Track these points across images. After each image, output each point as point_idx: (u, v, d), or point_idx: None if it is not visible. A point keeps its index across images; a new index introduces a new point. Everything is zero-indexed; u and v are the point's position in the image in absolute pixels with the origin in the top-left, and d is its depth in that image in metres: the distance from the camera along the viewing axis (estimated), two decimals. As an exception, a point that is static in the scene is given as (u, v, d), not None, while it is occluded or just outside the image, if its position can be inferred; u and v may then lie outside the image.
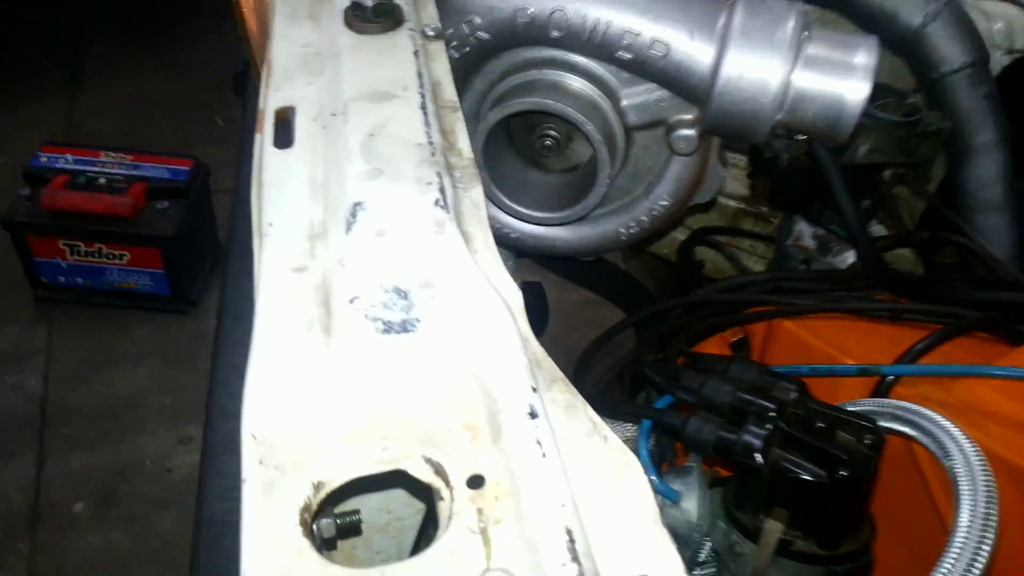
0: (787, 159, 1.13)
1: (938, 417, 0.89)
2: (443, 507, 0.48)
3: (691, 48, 0.84)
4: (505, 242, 1.09)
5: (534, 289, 1.53)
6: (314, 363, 0.52)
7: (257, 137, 0.71)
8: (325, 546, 0.55)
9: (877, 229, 1.45)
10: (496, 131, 0.94)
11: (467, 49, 0.91)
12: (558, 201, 0.99)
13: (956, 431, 0.86)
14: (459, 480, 0.48)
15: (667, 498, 0.98)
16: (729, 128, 0.88)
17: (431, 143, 0.65)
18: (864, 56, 0.83)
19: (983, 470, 0.82)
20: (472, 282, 0.56)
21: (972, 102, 1.36)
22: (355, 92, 0.70)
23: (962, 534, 0.79)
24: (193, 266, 2.86)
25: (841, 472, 0.85)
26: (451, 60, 0.92)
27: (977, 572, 0.75)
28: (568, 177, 1.00)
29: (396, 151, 0.64)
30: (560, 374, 0.57)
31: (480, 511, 0.47)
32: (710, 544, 0.98)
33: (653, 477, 0.97)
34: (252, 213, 0.63)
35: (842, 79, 0.83)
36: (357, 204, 0.60)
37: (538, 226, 1.00)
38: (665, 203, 0.99)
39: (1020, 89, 1.45)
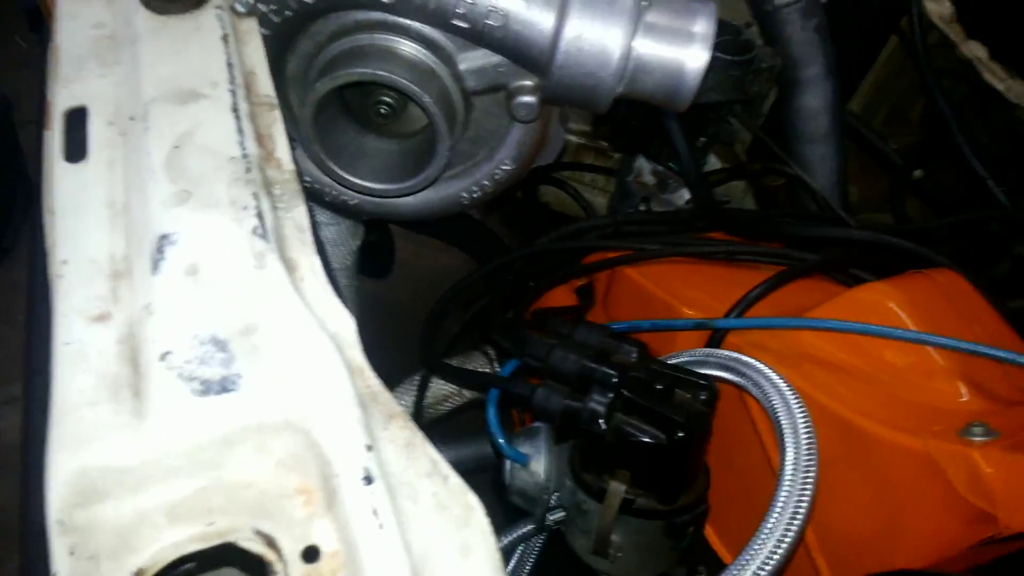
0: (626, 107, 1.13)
1: (761, 366, 0.94)
2: (277, 583, 0.46)
3: (529, 17, 0.80)
4: (345, 209, 1.04)
5: (379, 229, 1.48)
6: (125, 434, 0.48)
7: (46, 136, 0.63)
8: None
9: (713, 161, 1.49)
10: (327, 99, 0.87)
11: (288, 13, 0.83)
12: (398, 170, 0.94)
13: (777, 379, 0.92)
14: (293, 553, 0.47)
15: (516, 461, 1.00)
16: (570, 97, 0.86)
17: (245, 155, 0.59)
18: (703, 24, 0.82)
19: (803, 416, 0.88)
20: (297, 324, 0.53)
21: (803, 34, 1.40)
22: (156, 91, 0.62)
23: (788, 477, 0.85)
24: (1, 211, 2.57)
25: (679, 434, 0.89)
26: (271, 24, 0.84)
27: (802, 511, 0.82)
28: (408, 143, 0.96)
29: (206, 167, 0.58)
30: (399, 409, 0.55)
31: (317, 586, 0.45)
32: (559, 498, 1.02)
33: (504, 446, 0.99)
34: (45, 243, 0.56)
35: (682, 47, 0.82)
36: (164, 237, 0.54)
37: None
38: (508, 167, 0.97)
39: (844, 20, 1.49)
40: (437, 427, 1.39)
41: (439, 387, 1.29)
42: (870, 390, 0.95)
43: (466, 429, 1.27)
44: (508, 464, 1.01)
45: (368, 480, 0.48)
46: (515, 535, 1.13)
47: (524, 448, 1.01)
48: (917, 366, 0.96)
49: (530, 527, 1.09)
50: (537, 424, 1.03)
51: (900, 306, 1.00)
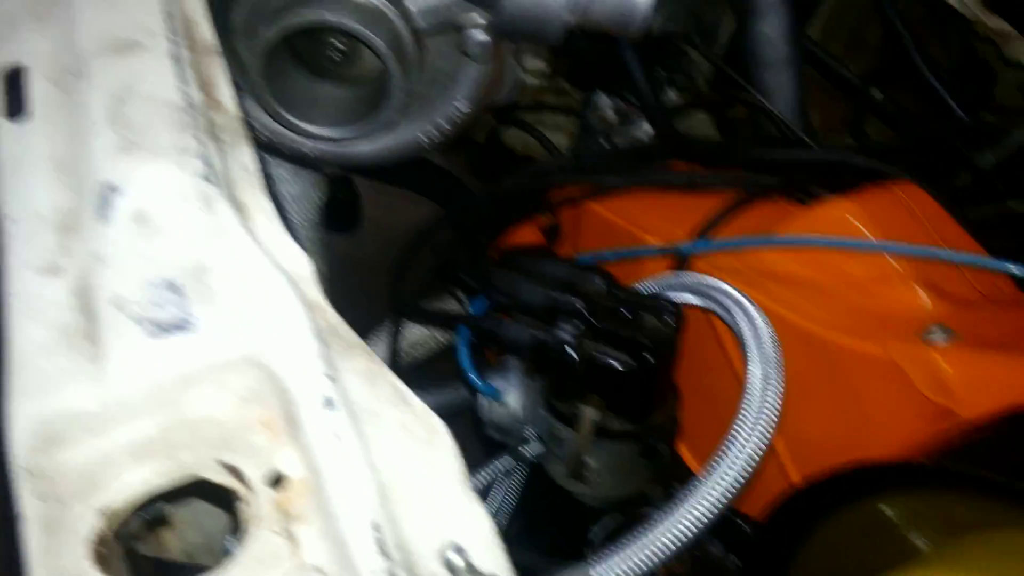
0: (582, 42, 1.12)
1: (725, 286, 0.96)
2: (245, 511, 0.47)
3: (476, -50, 0.80)
4: (303, 159, 1.04)
5: (343, 183, 1.48)
6: (83, 380, 0.48)
7: (-15, 95, 0.63)
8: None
9: (675, 98, 1.49)
10: (276, 48, 0.87)
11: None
12: (353, 115, 0.94)
13: (741, 297, 0.94)
14: (259, 481, 0.48)
15: (490, 396, 1.02)
16: (522, 31, 0.85)
17: (188, 102, 0.59)
18: (654, -51, 0.82)
19: (767, 332, 0.90)
20: (249, 263, 0.53)
21: (757, -42, 1.39)
22: (94, 44, 0.62)
23: (754, 389, 0.87)
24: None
25: (646, 357, 0.90)
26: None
27: (769, 422, 0.84)
28: (361, 88, 0.95)
29: (149, 116, 0.58)
30: (358, 340, 0.56)
31: (283, 511, 0.47)
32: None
33: (477, 381, 1.01)
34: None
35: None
36: (110, 187, 0.55)
37: (334, 141, 0.95)
38: (464, 107, 0.97)
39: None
40: (416, 373, 1.41)
41: (413, 332, 1.30)
42: (832, 302, 0.97)
43: (446, 376, 1.28)
44: (482, 399, 1.03)
45: (329, 405, 0.49)
46: (496, 469, 1.15)
47: (496, 382, 1.02)
48: (877, 276, 0.98)
49: (509, 460, 1.12)
50: (508, 358, 1.04)
51: (859, 219, 1.01)
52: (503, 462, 1.15)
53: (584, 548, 1.04)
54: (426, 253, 1.29)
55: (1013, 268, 0.95)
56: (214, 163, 0.57)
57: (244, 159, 0.59)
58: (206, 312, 0.51)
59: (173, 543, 0.57)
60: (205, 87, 0.62)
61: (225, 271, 0.53)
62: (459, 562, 0.46)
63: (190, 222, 0.54)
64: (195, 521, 0.57)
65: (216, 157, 0.57)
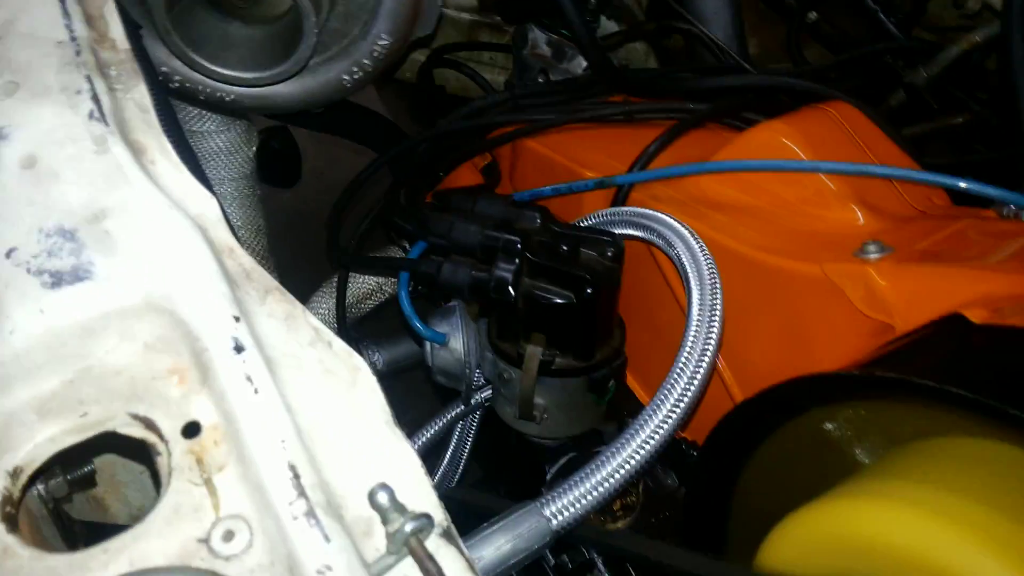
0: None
1: (662, 215, 0.95)
2: (162, 463, 0.45)
3: None
4: (223, 106, 1.00)
5: (279, 134, 1.43)
6: (-22, 337, 0.46)
7: None
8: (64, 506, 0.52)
9: (610, 26, 1.46)
10: (179, -12, 0.82)
11: None
12: (267, 56, 0.90)
13: (678, 226, 0.93)
14: (173, 431, 0.46)
15: (435, 341, 1.00)
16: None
17: (74, 38, 0.55)
18: None
19: (705, 259, 0.89)
20: (148, 206, 0.50)
21: None
22: (-35, -20, 0.58)
23: (695, 316, 0.87)
24: None
25: (587, 291, 0.89)
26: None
27: (711, 347, 0.84)
28: (274, 28, 0.91)
29: (32, 55, 0.54)
30: (274, 283, 0.54)
31: (200, 461, 0.45)
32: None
33: (421, 327, 0.99)
34: None
35: None
36: (-6, 132, 0.51)
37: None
38: (384, 42, 0.93)
39: None
40: (368, 329, 1.39)
41: (358, 285, 1.28)
42: (769, 226, 0.97)
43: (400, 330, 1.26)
44: (428, 345, 1.01)
45: (238, 349, 0.46)
46: (449, 415, 1.15)
47: (441, 327, 1.01)
48: (813, 196, 0.98)
49: (460, 406, 1.11)
50: (452, 303, 1.03)
51: (793, 141, 1.00)
52: (457, 409, 1.14)
53: (542, 489, 1.04)
54: (368, 202, 1.26)
55: (944, 180, 0.95)
56: (104, 102, 0.53)
57: (139, 98, 0.55)
58: (104, 259, 0.48)
59: (115, 506, 0.55)
60: (92, 22, 0.58)
61: (123, 216, 0.50)
62: (386, 501, 0.44)
63: (83, 166, 0.51)
64: (136, 481, 0.55)
65: (106, 96, 0.54)
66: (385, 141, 1.34)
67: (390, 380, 1.46)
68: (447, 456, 1.20)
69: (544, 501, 0.76)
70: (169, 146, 0.54)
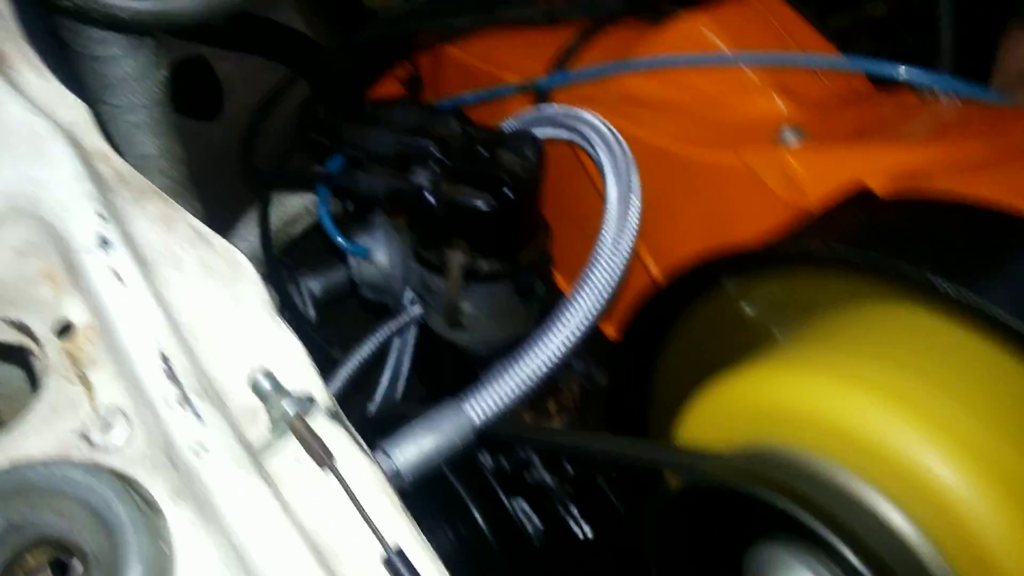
0: None
1: (580, 112, 0.94)
2: (37, 365, 0.45)
3: None
4: (119, 24, 0.95)
5: (196, 64, 1.39)
6: None
7: None
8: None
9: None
10: None
11: None
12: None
13: (596, 121, 0.92)
14: (46, 333, 0.45)
15: (358, 255, 0.99)
16: None
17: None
18: None
19: (622, 152, 0.89)
20: (9, 110, 0.49)
21: None
22: None
23: (612, 210, 0.87)
24: None
25: (507, 193, 0.89)
26: None
27: (628, 236, 0.84)
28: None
29: None
30: (150, 186, 0.53)
31: (74, 358, 0.44)
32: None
33: (343, 241, 0.98)
34: None
35: None
36: None
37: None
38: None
39: None
40: (303, 255, 1.37)
41: (284, 209, 1.26)
42: (691, 119, 0.96)
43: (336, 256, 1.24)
44: (352, 260, 1.00)
45: (104, 244, 0.45)
46: (383, 332, 1.14)
47: (363, 241, 1.00)
48: (733, 87, 0.97)
49: (393, 321, 1.10)
50: (375, 215, 1.02)
51: (713, 31, 0.99)
52: (390, 323, 1.14)
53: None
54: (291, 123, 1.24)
55: (864, 65, 0.95)
56: (-45, 5, 0.51)
57: (-6, -3, 0.53)
58: (-37, 166, 0.47)
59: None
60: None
61: (-18, 122, 0.48)
62: (267, 385, 0.44)
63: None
64: (11, 386, 0.54)
65: (-43, -2, 0.51)
66: (300, 56, 1.30)
67: (333, 308, 1.45)
68: (387, 374, 1.20)
69: (465, 397, 0.77)
70: (32, 54, 0.52)
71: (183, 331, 0.45)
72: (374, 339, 1.14)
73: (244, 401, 0.45)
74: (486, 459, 1.00)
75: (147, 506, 0.40)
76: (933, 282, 0.53)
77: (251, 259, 1.33)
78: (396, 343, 1.19)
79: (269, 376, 0.44)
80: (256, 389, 0.44)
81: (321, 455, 0.43)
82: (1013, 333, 0.54)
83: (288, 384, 0.45)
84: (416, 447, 0.74)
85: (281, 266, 1.22)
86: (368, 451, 0.45)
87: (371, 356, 1.16)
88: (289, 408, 0.43)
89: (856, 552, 0.57)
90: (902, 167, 0.76)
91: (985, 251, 0.59)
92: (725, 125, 0.95)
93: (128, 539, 0.38)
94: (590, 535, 1.01)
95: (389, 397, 1.22)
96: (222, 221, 1.39)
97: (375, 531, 0.40)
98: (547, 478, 1.00)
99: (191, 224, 0.51)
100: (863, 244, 0.66)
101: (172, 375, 0.42)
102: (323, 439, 0.44)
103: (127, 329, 0.44)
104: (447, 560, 0.93)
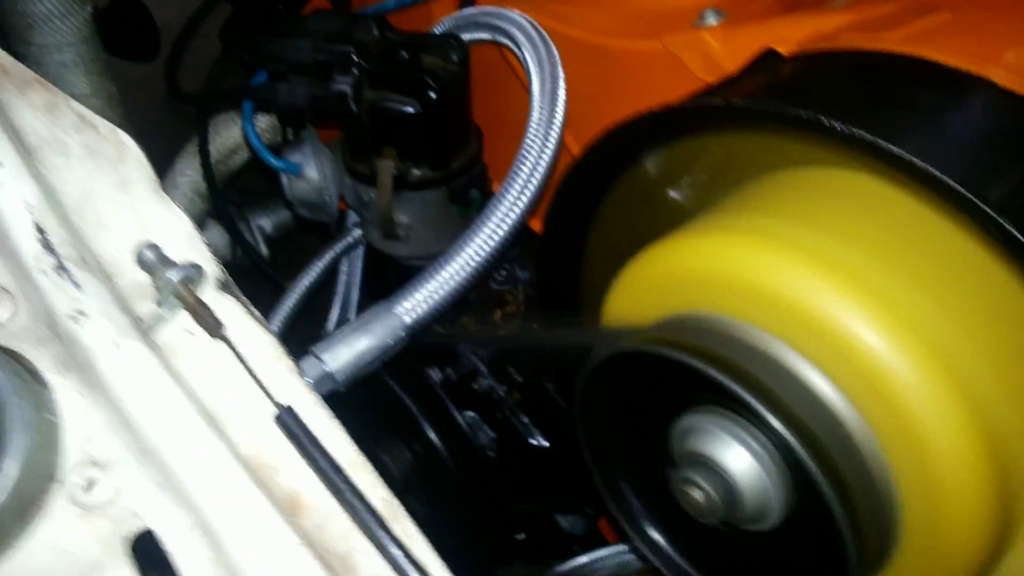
0: None
1: (502, 11, 0.92)
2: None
3: None
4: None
5: (128, 4, 1.35)
6: None
7: None
8: None
9: None
10: None
11: None
12: None
13: (518, 17, 0.91)
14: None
15: (288, 172, 0.98)
16: None
17: None
18: None
19: (544, 46, 0.88)
20: None
21: None
22: None
23: (536, 101, 0.86)
24: None
25: (431, 95, 0.87)
26: None
27: (554, 130, 0.84)
28: None
29: None
30: (34, 76, 0.51)
31: (-47, 245, 0.43)
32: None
33: (270, 157, 0.96)
34: None
35: None
36: None
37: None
38: None
39: None
40: (248, 189, 1.35)
41: (222, 140, 1.23)
42: (613, 11, 0.95)
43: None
44: (284, 177, 0.99)
45: (-28, 124, 0.44)
46: (328, 255, 1.13)
47: (294, 158, 0.98)
48: (655, -24, 0.95)
49: (337, 242, 1.10)
50: (304, 130, 1.00)
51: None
52: (335, 244, 1.13)
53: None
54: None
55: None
56: None
57: None
58: None
59: None
60: None
61: None
62: (152, 256, 0.44)
63: None
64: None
65: None
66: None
67: (285, 245, 1.44)
68: (338, 299, 1.20)
69: (395, 298, 0.77)
70: None
71: (68, 212, 0.45)
72: (318, 264, 1.13)
73: (135, 277, 0.45)
74: (436, 374, 1.01)
75: (31, 377, 0.40)
76: (821, 121, 0.53)
77: (195, 194, 1.30)
78: (344, 267, 1.18)
79: (154, 248, 0.44)
80: (141, 261, 0.44)
81: (209, 322, 0.43)
82: (920, 173, 0.53)
83: (177, 257, 0.45)
84: (348, 349, 0.74)
85: (227, 202, 1.20)
86: (262, 319, 0.44)
87: (318, 282, 1.15)
88: (174, 276, 0.43)
89: (779, 417, 0.56)
90: (814, 33, 0.76)
91: (883, 95, 0.59)
92: (646, 14, 0.94)
93: (12, 412, 0.38)
94: (543, 441, 1.02)
95: (342, 322, 1.21)
96: (164, 163, 1.37)
97: (263, 388, 0.40)
98: (495, 385, 1.01)
99: (75, 110, 0.50)
100: (761, 97, 0.65)
101: (48, 245, 0.41)
102: (214, 309, 0.44)
103: (4, 209, 0.43)
104: (406, 477, 0.94)
